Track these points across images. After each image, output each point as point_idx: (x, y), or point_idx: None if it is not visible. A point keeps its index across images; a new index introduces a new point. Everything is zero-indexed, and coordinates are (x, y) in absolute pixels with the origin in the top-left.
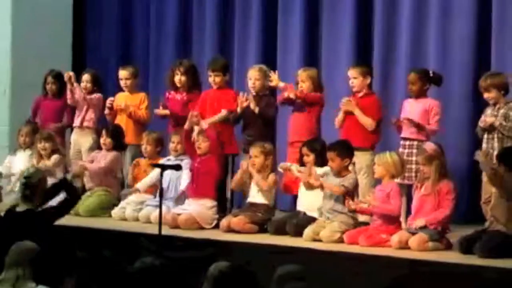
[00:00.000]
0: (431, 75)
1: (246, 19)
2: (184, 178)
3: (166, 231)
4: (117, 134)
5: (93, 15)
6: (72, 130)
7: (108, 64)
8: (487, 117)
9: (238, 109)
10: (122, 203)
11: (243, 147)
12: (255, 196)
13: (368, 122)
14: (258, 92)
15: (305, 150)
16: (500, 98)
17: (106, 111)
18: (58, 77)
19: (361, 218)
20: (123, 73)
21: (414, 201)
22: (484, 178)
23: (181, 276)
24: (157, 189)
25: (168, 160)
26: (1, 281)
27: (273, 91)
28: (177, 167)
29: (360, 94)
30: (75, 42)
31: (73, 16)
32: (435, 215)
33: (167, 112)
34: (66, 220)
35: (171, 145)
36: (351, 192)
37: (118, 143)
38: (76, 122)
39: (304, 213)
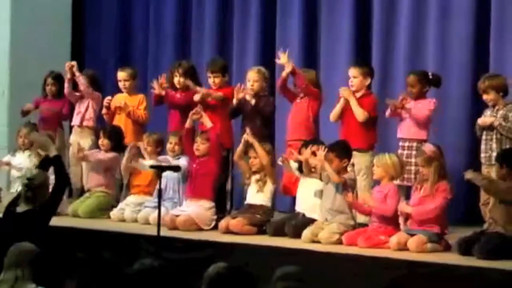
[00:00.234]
0: (431, 77)
1: (245, 20)
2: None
3: (164, 232)
4: (115, 135)
5: (92, 16)
6: (71, 130)
7: (107, 65)
8: (487, 117)
9: (234, 100)
10: (121, 205)
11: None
12: (254, 197)
13: (360, 112)
14: (256, 93)
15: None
16: (498, 100)
17: (104, 111)
18: (58, 78)
19: (360, 219)
20: (121, 75)
21: (413, 203)
22: None
23: (180, 277)
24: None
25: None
26: (0, 282)
27: (272, 91)
28: (176, 168)
29: (359, 94)
30: (74, 43)
31: (72, 17)
32: (424, 207)
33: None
34: (65, 222)
35: (169, 146)
36: (349, 188)
37: (117, 144)
38: (76, 120)
39: (303, 215)
